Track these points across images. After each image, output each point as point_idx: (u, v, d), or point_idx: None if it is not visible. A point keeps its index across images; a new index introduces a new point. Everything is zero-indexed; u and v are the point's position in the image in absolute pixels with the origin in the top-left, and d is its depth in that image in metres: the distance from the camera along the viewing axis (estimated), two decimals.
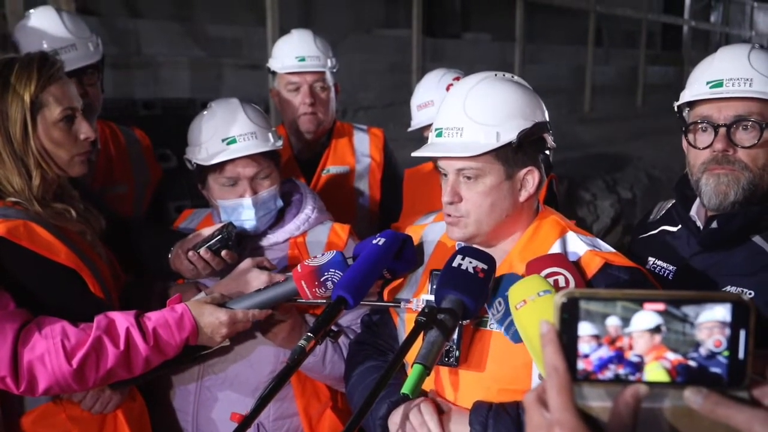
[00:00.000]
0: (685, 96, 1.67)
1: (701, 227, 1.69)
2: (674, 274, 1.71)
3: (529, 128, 1.45)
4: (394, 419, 1.48)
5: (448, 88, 2.55)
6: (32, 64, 1.65)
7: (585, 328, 0.69)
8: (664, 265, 1.75)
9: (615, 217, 6.15)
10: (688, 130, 1.65)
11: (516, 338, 1.32)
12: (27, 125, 1.63)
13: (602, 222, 6.02)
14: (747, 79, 1.55)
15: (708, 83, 1.60)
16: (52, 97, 1.66)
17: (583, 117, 8.98)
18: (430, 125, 2.53)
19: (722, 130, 1.56)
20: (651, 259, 1.79)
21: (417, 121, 2.62)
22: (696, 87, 1.64)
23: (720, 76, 1.58)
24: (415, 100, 2.65)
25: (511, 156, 1.46)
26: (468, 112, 1.46)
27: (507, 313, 1.34)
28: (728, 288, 1.56)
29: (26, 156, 1.64)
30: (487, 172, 1.45)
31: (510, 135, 1.43)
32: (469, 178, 1.46)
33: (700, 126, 1.61)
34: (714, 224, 1.63)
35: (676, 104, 1.72)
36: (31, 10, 2.40)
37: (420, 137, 2.64)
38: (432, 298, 1.46)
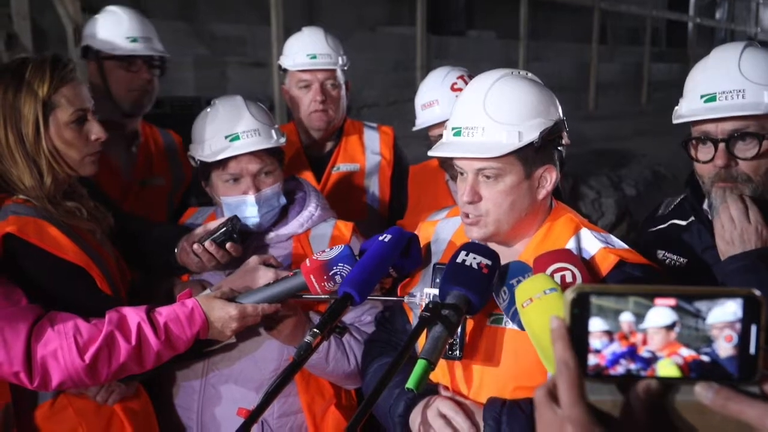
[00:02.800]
0: (682, 110, 1.67)
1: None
2: (686, 266, 1.72)
3: (550, 127, 1.45)
4: (414, 418, 1.48)
5: (452, 87, 2.53)
6: (45, 65, 1.67)
7: (596, 324, 0.69)
8: (675, 257, 1.76)
9: (620, 214, 6.14)
10: (689, 143, 1.66)
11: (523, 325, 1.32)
12: (39, 126, 1.65)
13: (607, 219, 6.01)
14: (739, 91, 1.54)
15: (702, 97, 1.60)
16: (65, 99, 1.68)
17: (587, 114, 8.97)
18: (435, 125, 2.54)
19: (721, 146, 1.57)
20: (661, 252, 1.79)
21: (421, 120, 2.61)
22: (691, 100, 1.64)
23: (713, 90, 1.58)
24: (419, 100, 2.64)
25: (531, 155, 1.44)
26: (489, 112, 1.44)
27: (512, 301, 1.34)
28: None
29: (38, 156, 1.66)
30: (508, 172, 1.44)
31: (532, 134, 1.42)
32: (488, 177, 1.45)
33: (700, 140, 1.62)
34: None
35: (674, 120, 1.70)
36: (109, 8, 2.59)
37: (426, 135, 2.64)
38: (434, 291, 1.47)
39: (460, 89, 2.47)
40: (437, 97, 2.54)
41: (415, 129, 2.67)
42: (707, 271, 1.65)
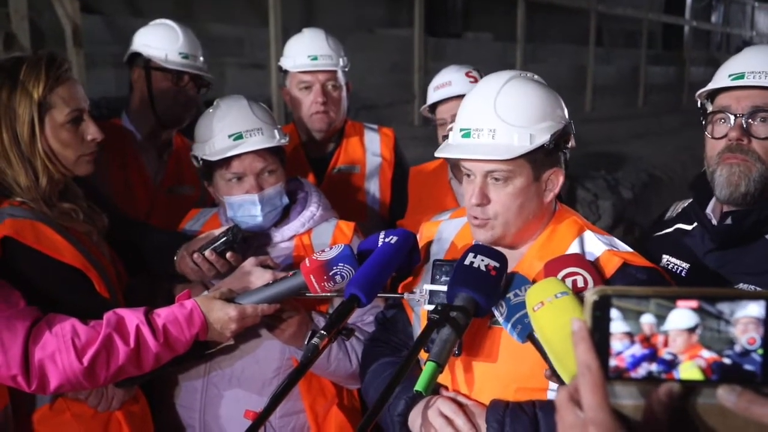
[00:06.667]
0: (708, 87, 1.69)
1: (716, 224, 1.69)
2: (687, 272, 1.72)
3: (560, 130, 1.45)
4: (414, 417, 1.48)
5: (466, 74, 2.57)
6: (40, 64, 1.64)
7: (617, 326, 0.68)
8: (678, 262, 1.75)
9: (616, 217, 6.14)
10: (707, 121, 1.67)
11: (522, 338, 1.32)
12: (34, 126, 1.63)
13: (604, 221, 6.02)
14: None
15: (730, 76, 1.62)
16: (60, 99, 1.66)
17: (584, 117, 8.98)
18: (444, 101, 2.51)
19: (739, 120, 1.58)
20: (665, 257, 1.79)
21: (431, 98, 2.61)
22: (718, 80, 1.66)
23: (742, 69, 1.60)
24: (433, 84, 2.66)
25: (541, 158, 1.44)
26: (500, 113, 1.43)
27: (510, 312, 1.33)
28: (741, 286, 1.56)
29: (33, 157, 1.64)
30: (517, 175, 1.44)
31: (543, 137, 1.42)
32: (497, 180, 1.44)
33: (718, 116, 1.63)
34: (728, 220, 1.64)
35: (697, 95, 1.73)
36: (165, 21, 2.60)
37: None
38: (433, 287, 1.47)
39: (474, 77, 2.52)
40: (451, 79, 2.56)
41: (423, 107, 2.70)
42: (708, 276, 1.64)
